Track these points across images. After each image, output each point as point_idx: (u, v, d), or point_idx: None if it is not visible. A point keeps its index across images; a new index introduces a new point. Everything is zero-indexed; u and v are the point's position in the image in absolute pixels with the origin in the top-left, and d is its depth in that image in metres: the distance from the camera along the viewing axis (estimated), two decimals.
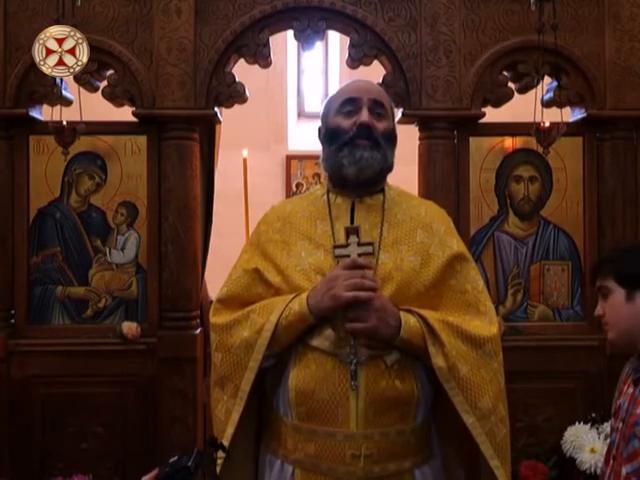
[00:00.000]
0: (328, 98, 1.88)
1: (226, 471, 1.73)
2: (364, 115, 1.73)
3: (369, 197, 1.79)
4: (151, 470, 1.63)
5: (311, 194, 1.91)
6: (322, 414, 1.65)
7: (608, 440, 2.85)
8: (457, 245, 1.79)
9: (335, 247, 1.68)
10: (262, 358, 1.68)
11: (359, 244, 1.66)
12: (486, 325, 1.72)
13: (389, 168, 1.79)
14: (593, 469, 2.83)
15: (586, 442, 2.89)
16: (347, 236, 1.67)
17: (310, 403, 1.66)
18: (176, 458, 1.63)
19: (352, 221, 1.77)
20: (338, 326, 1.65)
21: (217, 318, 1.78)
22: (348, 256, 1.65)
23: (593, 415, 2.99)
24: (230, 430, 1.71)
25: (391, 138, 1.78)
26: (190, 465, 1.57)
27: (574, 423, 2.99)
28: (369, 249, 1.66)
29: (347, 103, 1.76)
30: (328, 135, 1.80)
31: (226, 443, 1.70)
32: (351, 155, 1.73)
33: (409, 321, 1.64)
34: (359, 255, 1.64)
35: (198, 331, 3.08)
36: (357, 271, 1.62)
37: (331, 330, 1.66)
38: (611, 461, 1.57)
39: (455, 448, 1.82)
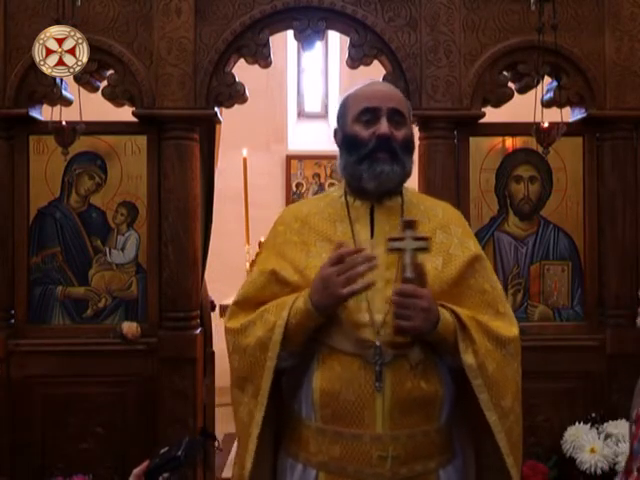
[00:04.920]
0: (345, 97, 1.83)
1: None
2: (383, 127, 1.69)
3: (388, 200, 1.78)
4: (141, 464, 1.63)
5: (327, 196, 1.88)
6: (348, 416, 1.64)
7: (609, 440, 2.87)
8: (474, 246, 1.80)
9: (390, 240, 1.62)
10: (277, 356, 1.65)
11: (415, 239, 1.60)
12: (507, 326, 1.73)
13: (408, 175, 1.78)
14: (593, 469, 2.83)
15: (586, 442, 2.89)
16: (403, 229, 1.61)
17: (335, 405, 1.65)
18: (166, 449, 1.63)
19: (372, 223, 1.75)
20: (360, 328, 1.64)
21: (232, 323, 1.77)
22: (402, 250, 1.60)
23: (593, 415, 2.99)
24: (256, 431, 1.68)
25: (409, 145, 1.76)
26: (180, 455, 1.57)
27: (574, 423, 2.99)
28: (424, 244, 1.60)
29: (366, 112, 1.73)
30: (346, 143, 1.77)
31: (252, 446, 1.68)
32: (371, 169, 1.70)
33: (446, 316, 1.64)
34: (414, 250, 1.59)
35: (198, 331, 3.08)
36: (347, 263, 1.58)
37: (353, 332, 1.64)
38: (635, 473, 1.54)
39: (471, 446, 1.82)
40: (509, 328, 1.73)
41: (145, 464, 1.63)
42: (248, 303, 1.78)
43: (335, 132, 1.84)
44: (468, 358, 1.63)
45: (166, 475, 1.63)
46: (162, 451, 1.64)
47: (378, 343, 1.62)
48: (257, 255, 4.32)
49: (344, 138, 1.78)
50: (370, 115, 1.72)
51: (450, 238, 1.75)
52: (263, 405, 1.68)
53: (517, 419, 1.71)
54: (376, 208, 1.76)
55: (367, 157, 1.70)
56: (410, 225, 1.61)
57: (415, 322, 1.57)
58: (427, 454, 1.68)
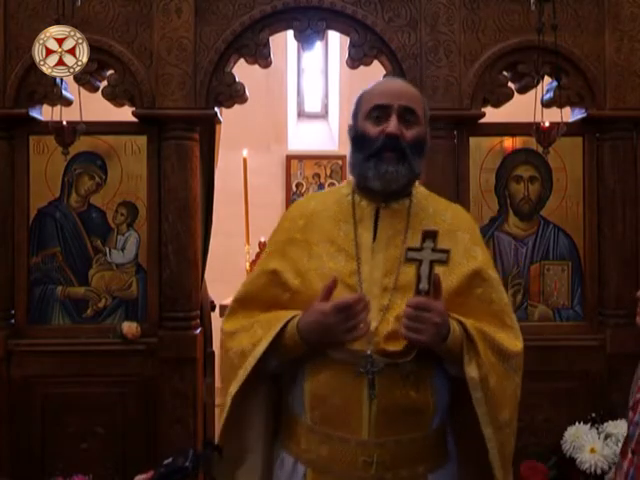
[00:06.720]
0: (360, 94, 1.80)
1: (242, 467, 1.78)
2: (392, 125, 1.66)
3: (395, 202, 1.75)
4: (146, 471, 1.64)
5: (337, 191, 1.86)
6: (335, 420, 1.64)
7: (609, 440, 2.87)
8: (482, 254, 1.75)
9: (408, 249, 1.58)
10: (253, 370, 1.67)
11: (434, 250, 1.56)
12: (512, 339, 1.70)
13: (417, 176, 1.75)
14: (593, 469, 2.83)
15: (586, 442, 2.89)
16: (423, 240, 1.55)
17: (324, 408, 1.65)
18: (170, 460, 1.64)
19: (376, 225, 1.73)
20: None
21: (228, 324, 1.79)
22: (420, 261, 1.55)
23: (593, 415, 2.99)
24: (220, 425, 1.74)
25: (419, 145, 1.72)
26: (187, 465, 1.58)
27: (574, 423, 2.99)
28: (443, 257, 1.55)
29: (376, 109, 1.70)
30: (356, 140, 1.75)
31: (217, 438, 1.76)
32: (376, 169, 1.68)
33: (455, 330, 1.61)
34: (432, 262, 1.55)
35: (198, 331, 3.08)
36: (351, 313, 1.57)
37: (346, 342, 1.63)
38: (629, 455, 1.55)
39: (467, 451, 1.79)
40: (514, 342, 1.70)
41: (150, 474, 1.64)
42: (249, 301, 1.78)
43: (349, 128, 1.81)
44: (471, 371, 1.60)
45: None
46: (166, 462, 1.65)
47: (369, 352, 1.61)
48: (262, 250, 4.35)
49: (355, 135, 1.76)
50: (380, 112, 1.69)
51: (455, 245, 1.70)
52: (229, 405, 1.71)
53: (512, 432, 1.70)
54: (381, 210, 1.74)
55: (374, 156, 1.68)
56: (430, 236, 1.56)
57: (424, 336, 1.55)
58: (414, 460, 1.67)
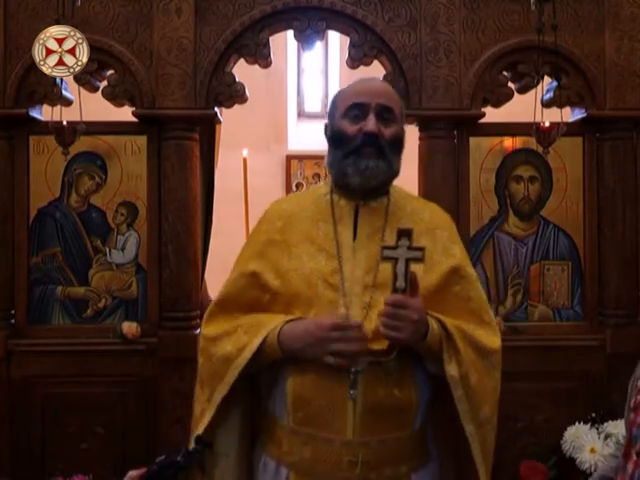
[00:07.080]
0: (336, 93, 1.82)
1: (216, 470, 1.75)
2: (371, 123, 1.67)
3: (374, 200, 1.75)
4: (140, 467, 1.64)
5: (314, 192, 1.86)
6: (320, 420, 1.63)
7: (609, 440, 2.87)
8: (460, 252, 1.77)
9: (384, 248, 1.58)
10: (238, 376, 1.66)
11: (409, 248, 1.56)
12: (490, 336, 1.71)
13: (395, 174, 1.75)
14: (593, 469, 2.83)
15: (586, 442, 2.89)
16: (398, 238, 1.56)
17: (307, 409, 1.64)
18: (163, 457, 1.64)
19: (356, 224, 1.73)
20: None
21: (208, 329, 1.77)
22: (396, 259, 1.55)
23: (593, 415, 2.99)
24: (201, 429, 1.72)
25: (398, 144, 1.73)
26: (179, 460, 1.58)
27: (574, 423, 2.99)
28: (419, 255, 1.55)
29: (354, 107, 1.70)
30: (333, 139, 1.76)
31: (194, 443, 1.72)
32: (355, 165, 1.68)
33: (434, 328, 1.61)
34: (407, 260, 1.55)
35: (198, 331, 3.08)
36: (346, 336, 1.57)
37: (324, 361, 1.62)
38: (634, 457, 1.55)
39: (448, 449, 1.80)
40: (492, 339, 1.71)
41: (143, 470, 1.63)
42: (229, 304, 1.77)
43: (325, 127, 1.82)
44: (451, 369, 1.61)
45: None
46: (159, 459, 1.65)
47: None
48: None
49: (332, 133, 1.76)
50: (358, 111, 1.70)
51: (434, 244, 1.72)
52: (212, 411, 1.70)
53: (493, 428, 1.71)
54: (360, 209, 1.74)
55: (353, 153, 1.68)
56: (405, 234, 1.57)
57: (403, 334, 1.55)
58: (398, 459, 1.66)
